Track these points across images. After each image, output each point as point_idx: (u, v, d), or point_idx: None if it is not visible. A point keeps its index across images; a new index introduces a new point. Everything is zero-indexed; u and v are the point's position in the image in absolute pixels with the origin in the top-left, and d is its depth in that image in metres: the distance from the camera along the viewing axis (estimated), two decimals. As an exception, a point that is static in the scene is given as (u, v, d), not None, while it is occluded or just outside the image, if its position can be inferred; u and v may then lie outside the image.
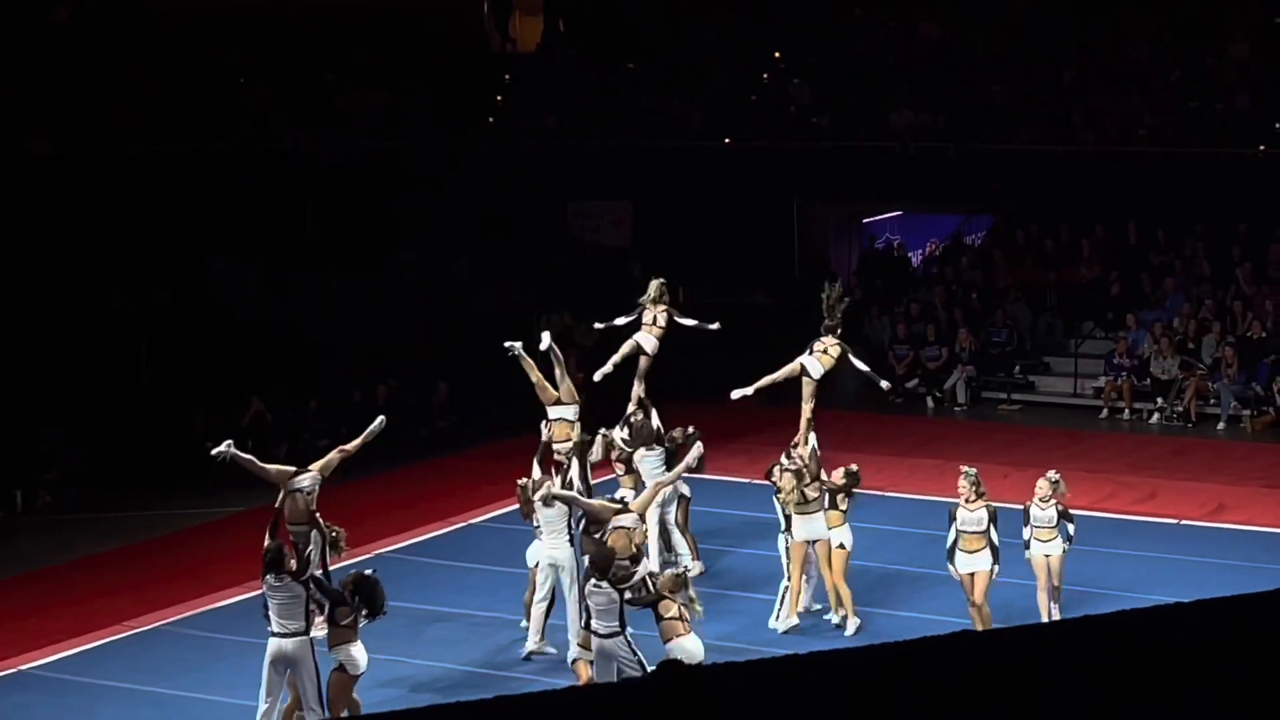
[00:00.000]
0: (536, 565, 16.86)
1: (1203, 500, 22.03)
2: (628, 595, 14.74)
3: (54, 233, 26.81)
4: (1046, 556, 17.14)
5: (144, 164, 28.11)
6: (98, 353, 26.13)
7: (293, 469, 16.08)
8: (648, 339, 19.48)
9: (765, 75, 32.24)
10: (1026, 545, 17.16)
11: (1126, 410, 26.89)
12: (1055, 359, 28.57)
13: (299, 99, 30.92)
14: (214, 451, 15.55)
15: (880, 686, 4.56)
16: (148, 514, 22.62)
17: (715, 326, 19.47)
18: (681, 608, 14.71)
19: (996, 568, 16.65)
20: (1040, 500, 17.16)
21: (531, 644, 16.87)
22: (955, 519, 16.79)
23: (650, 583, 14.99)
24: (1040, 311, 29.04)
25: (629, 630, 14.72)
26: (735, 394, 18.85)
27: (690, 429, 19.01)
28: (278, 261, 29.32)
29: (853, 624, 17.47)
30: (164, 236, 27.73)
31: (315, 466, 16.02)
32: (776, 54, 32.42)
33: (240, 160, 28.91)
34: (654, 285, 19.78)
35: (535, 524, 16.88)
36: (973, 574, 16.62)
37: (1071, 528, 17.34)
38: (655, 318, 19.59)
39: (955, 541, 16.73)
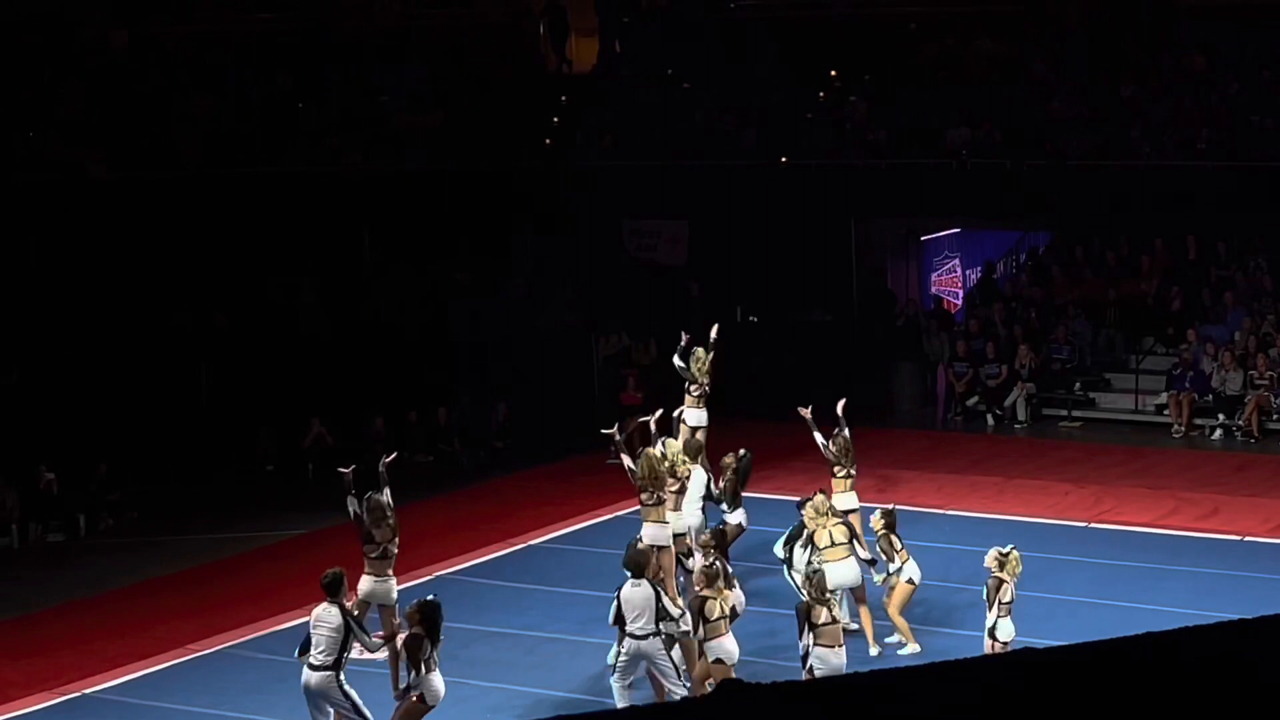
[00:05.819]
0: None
1: (1266, 516, 21.86)
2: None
3: (114, 257, 26.99)
4: (996, 641, 15.21)
5: (202, 187, 28.27)
6: (159, 376, 26.28)
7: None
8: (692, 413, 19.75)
9: (821, 93, 32.20)
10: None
11: (1184, 426, 26.67)
12: (1116, 375, 28.41)
13: (356, 121, 31.05)
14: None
15: (938, 707, 4.54)
16: (209, 537, 22.72)
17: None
18: (723, 606, 15.05)
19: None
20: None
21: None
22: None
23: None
24: (1100, 327, 28.87)
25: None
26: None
27: (742, 451, 18.94)
28: (335, 283, 29.43)
29: (912, 648, 17.20)
30: (223, 259, 27.88)
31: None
32: (832, 72, 32.38)
33: (298, 183, 29.03)
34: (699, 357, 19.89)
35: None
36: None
37: (1010, 627, 15.19)
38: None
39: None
